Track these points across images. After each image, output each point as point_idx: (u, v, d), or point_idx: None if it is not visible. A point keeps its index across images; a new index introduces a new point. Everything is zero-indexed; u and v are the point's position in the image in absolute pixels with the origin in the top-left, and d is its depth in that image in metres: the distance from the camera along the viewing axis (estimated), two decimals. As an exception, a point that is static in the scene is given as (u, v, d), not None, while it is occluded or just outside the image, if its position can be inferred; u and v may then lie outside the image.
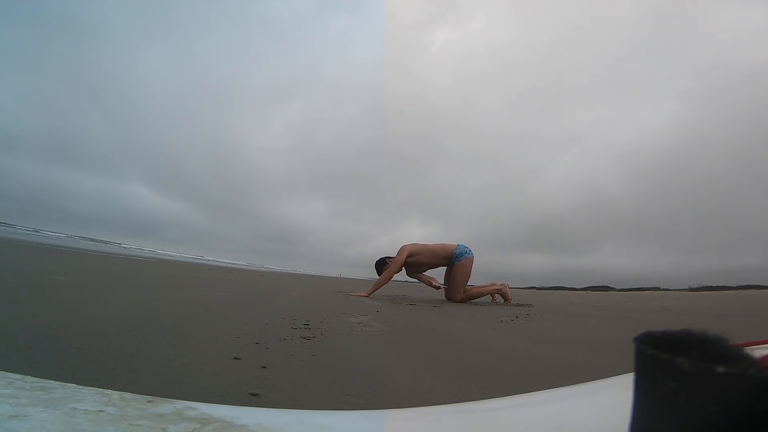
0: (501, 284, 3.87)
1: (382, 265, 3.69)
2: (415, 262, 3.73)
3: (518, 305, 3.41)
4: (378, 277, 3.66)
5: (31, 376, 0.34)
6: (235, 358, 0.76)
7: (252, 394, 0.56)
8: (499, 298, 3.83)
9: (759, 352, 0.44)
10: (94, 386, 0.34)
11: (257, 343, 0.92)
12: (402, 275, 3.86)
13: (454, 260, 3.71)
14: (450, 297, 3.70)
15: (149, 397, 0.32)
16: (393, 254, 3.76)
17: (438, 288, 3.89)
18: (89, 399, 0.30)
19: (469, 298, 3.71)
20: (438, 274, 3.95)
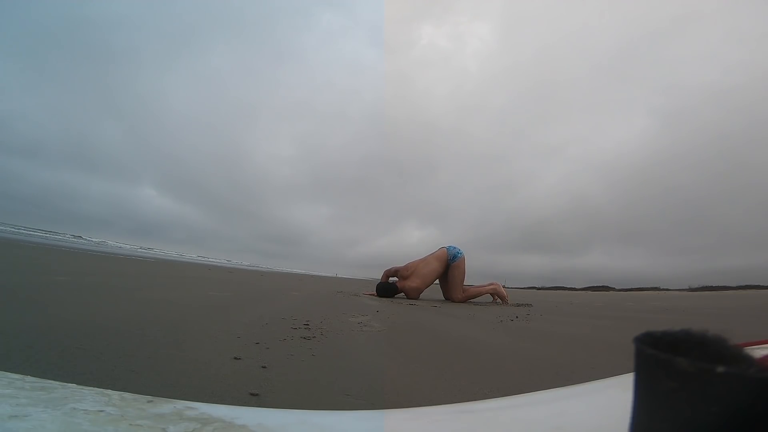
0: (496, 283, 3.94)
1: (392, 291, 3.75)
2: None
3: (518, 305, 3.41)
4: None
5: (31, 376, 0.34)
6: (235, 358, 0.76)
7: (252, 394, 0.56)
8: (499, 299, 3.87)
9: (759, 352, 0.44)
10: (94, 386, 0.34)
11: (257, 343, 0.92)
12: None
13: (450, 262, 3.79)
14: (450, 297, 3.74)
15: (149, 397, 0.32)
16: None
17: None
18: (89, 399, 0.30)
19: (468, 297, 3.75)
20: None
